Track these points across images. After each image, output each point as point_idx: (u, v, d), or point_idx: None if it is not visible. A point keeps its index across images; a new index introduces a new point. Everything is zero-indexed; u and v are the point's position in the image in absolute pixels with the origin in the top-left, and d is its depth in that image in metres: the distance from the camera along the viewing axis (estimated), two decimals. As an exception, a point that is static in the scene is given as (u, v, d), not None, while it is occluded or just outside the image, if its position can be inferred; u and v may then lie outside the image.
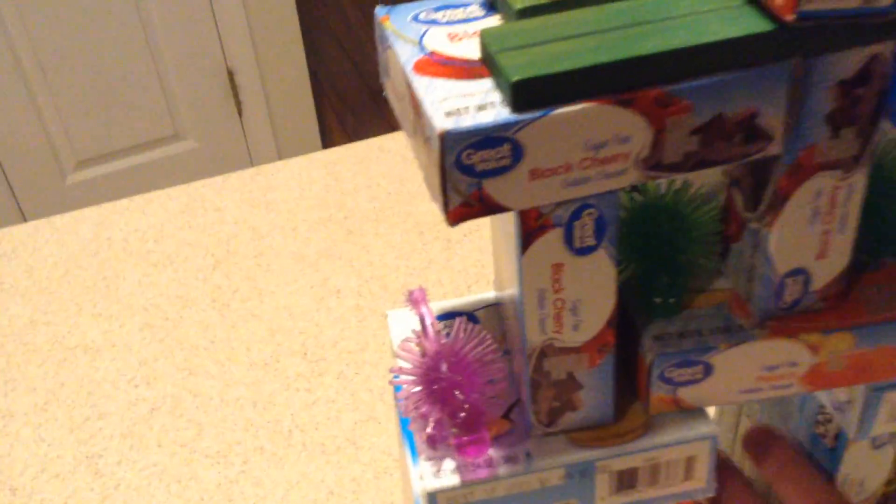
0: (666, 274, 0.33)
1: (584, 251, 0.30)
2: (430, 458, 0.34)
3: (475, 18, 0.31)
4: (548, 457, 0.34)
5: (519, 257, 0.30)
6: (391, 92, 0.33)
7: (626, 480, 0.34)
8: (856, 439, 0.37)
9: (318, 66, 2.44)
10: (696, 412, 0.34)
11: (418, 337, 0.35)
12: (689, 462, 0.34)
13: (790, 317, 0.33)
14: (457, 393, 0.33)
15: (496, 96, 0.27)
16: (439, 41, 0.30)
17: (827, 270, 0.32)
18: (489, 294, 0.40)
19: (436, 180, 0.27)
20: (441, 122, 0.26)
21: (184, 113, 1.89)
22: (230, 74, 1.90)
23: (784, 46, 0.27)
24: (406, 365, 0.34)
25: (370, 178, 0.89)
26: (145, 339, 0.74)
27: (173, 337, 0.74)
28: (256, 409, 0.67)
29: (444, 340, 0.34)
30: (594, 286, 0.31)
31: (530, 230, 0.29)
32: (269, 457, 0.64)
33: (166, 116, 1.88)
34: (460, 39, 0.30)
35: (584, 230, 0.30)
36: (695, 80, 0.27)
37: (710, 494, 0.35)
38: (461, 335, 0.34)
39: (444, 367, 0.33)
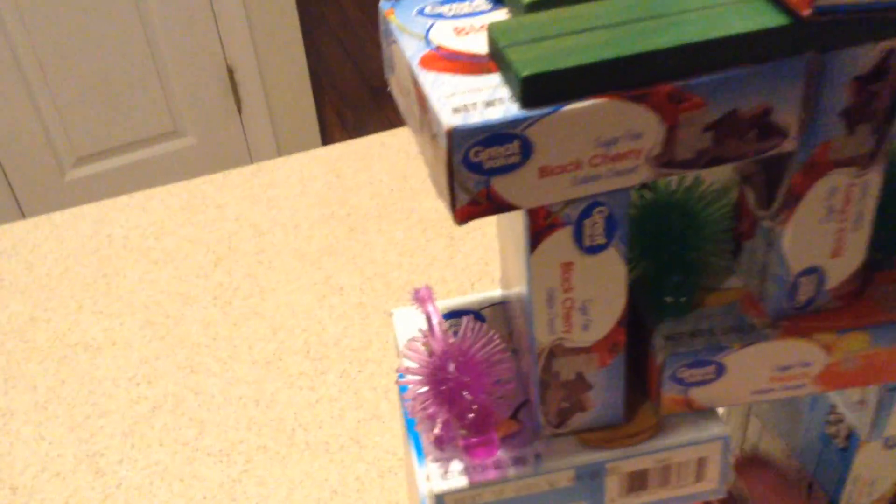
0: (677, 272, 0.33)
1: (594, 250, 0.30)
2: (437, 460, 0.34)
3: (482, 12, 0.31)
4: (557, 458, 0.33)
5: (527, 256, 0.30)
6: (396, 87, 0.32)
7: (636, 482, 0.34)
8: (869, 440, 0.37)
9: (318, 63, 2.43)
10: (708, 413, 0.34)
11: (425, 336, 0.34)
12: (701, 463, 0.34)
13: (803, 316, 0.32)
14: (465, 393, 0.32)
15: (505, 92, 0.26)
16: (445, 35, 0.30)
17: (841, 269, 0.32)
18: (495, 292, 0.40)
19: (443, 178, 0.27)
20: (448, 118, 0.26)
21: (183, 109, 1.88)
22: (230, 71, 1.89)
23: (800, 41, 0.26)
24: (413, 365, 0.33)
25: (372, 175, 0.88)
26: (146, 337, 0.74)
27: (175, 335, 0.74)
28: (259, 408, 0.67)
29: (451, 340, 0.33)
30: (604, 285, 0.30)
31: (539, 229, 0.29)
32: (272, 455, 0.64)
33: (165, 113, 1.87)
34: (467, 34, 0.30)
35: (595, 228, 0.29)
36: (708, 76, 0.26)
37: (722, 496, 0.35)
38: (469, 334, 0.33)
39: (451, 367, 0.32)
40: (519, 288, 0.32)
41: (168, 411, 0.67)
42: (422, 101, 0.28)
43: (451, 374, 0.32)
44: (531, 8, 0.28)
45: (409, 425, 0.36)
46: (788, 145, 0.28)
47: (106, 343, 0.74)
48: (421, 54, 0.29)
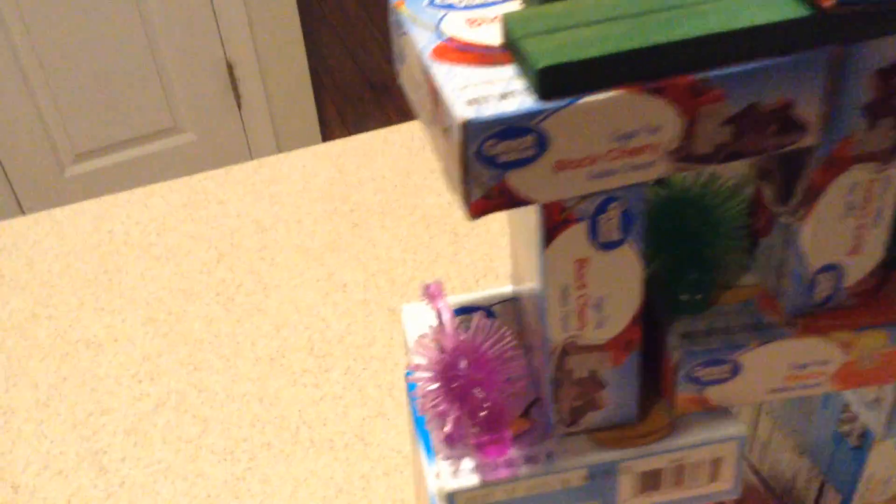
0: (693, 269, 0.32)
1: (609, 246, 0.29)
2: (447, 458, 0.33)
3: (494, 3, 0.30)
4: (569, 457, 0.33)
5: (541, 252, 0.29)
6: (406, 80, 0.32)
7: (649, 482, 0.33)
8: (884, 438, 0.36)
9: (318, 59, 2.43)
10: (723, 412, 0.34)
11: (436, 333, 0.34)
12: (716, 463, 0.33)
13: (821, 314, 0.32)
14: (476, 391, 0.32)
15: (519, 84, 0.26)
16: (458, 26, 0.29)
17: (860, 266, 0.31)
18: (505, 288, 0.39)
19: (456, 172, 0.26)
20: (462, 110, 0.25)
21: (183, 105, 1.87)
22: (229, 67, 1.88)
23: (822, 33, 0.26)
24: (423, 361, 0.33)
25: (375, 171, 0.88)
26: (148, 334, 0.73)
27: (177, 331, 0.73)
28: (263, 405, 0.66)
29: (462, 336, 0.33)
30: (619, 282, 0.30)
31: (554, 224, 0.28)
32: (276, 453, 0.63)
33: (165, 109, 1.86)
34: (479, 24, 0.29)
35: (610, 224, 0.29)
36: (728, 68, 0.26)
37: (737, 496, 0.34)
38: (480, 331, 0.33)
39: (463, 364, 0.32)
40: (531, 284, 0.32)
41: (171, 409, 0.67)
42: (434, 93, 0.27)
43: (462, 371, 0.32)
44: (546, -2, 0.28)
45: (419, 423, 0.35)
46: (809, 140, 0.27)
47: (108, 340, 0.73)
48: (433, 45, 0.28)
